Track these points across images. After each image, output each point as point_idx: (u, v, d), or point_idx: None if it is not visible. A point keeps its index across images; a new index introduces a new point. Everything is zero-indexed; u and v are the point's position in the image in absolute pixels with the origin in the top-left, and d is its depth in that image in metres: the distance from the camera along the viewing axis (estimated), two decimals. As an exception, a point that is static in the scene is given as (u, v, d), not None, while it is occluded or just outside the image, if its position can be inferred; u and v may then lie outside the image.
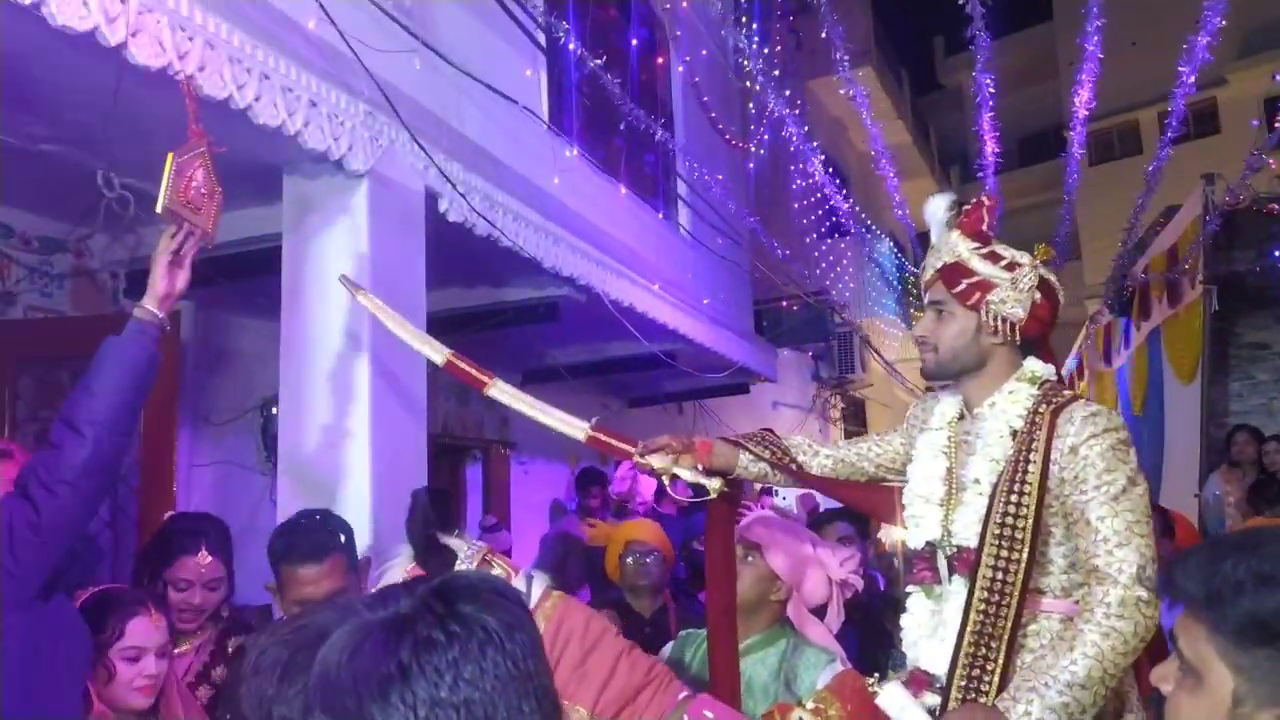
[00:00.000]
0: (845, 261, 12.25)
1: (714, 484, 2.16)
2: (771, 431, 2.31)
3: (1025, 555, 1.74)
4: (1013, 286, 1.88)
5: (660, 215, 6.21)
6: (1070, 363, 13.39)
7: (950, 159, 22.95)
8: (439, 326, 3.79)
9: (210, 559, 2.48)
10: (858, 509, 3.01)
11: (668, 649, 2.45)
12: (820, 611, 2.42)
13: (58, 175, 3.17)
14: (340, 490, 3.04)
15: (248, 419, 4.48)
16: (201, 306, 4.24)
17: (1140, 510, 1.74)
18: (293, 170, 3.22)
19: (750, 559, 2.27)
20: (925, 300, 2.02)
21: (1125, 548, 1.69)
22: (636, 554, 3.52)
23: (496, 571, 1.76)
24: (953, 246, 1.95)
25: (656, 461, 2.18)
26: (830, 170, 8.64)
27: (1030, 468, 1.79)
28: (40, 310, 3.77)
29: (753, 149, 7.33)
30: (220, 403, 4.36)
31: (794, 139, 6.34)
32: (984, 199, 1.97)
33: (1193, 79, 5.30)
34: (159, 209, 2.08)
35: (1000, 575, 1.75)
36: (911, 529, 1.98)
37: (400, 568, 1.79)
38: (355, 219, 3.18)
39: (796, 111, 6.93)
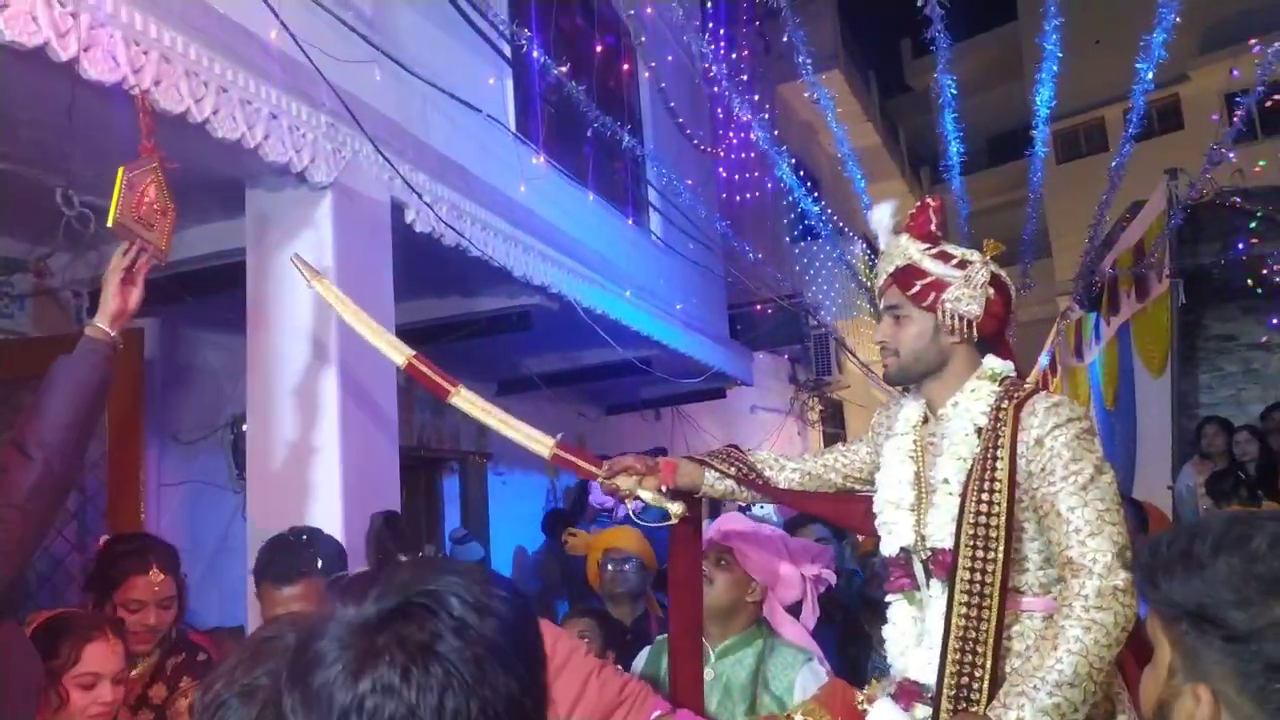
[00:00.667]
0: (819, 264, 12.31)
1: (675, 508, 2.17)
2: (737, 448, 2.31)
3: (1001, 554, 1.73)
4: (966, 284, 1.89)
5: (630, 221, 6.21)
6: (1043, 359, 13.52)
7: (920, 160, 23.13)
8: (410, 338, 3.75)
9: (163, 577, 2.44)
10: (829, 521, 3.02)
11: (642, 656, 2.44)
12: (795, 609, 2.43)
13: (15, 194, 3.12)
14: (311, 506, 3.01)
15: (217, 436, 4.42)
16: (166, 323, 4.19)
17: (1110, 498, 1.74)
18: (254, 183, 3.19)
19: (723, 563, 2.28)
20: (881, 306, 2.02)
21: (1098, 537, 1.68)
22: (615, 561, 3.51)
23: None
24: (903, 250, 1.96)
25: (621, 483, 2.19)
26: (801, 173, 8.69)
27: (998, 464, 1.79)
28: (1, 331, 3.71)
29: (721, 154, 7.35)
30: (188, 420, 4.31)
31: (763, 143, 6.36)
32: (929, 200, 1.98)
33: (1151, 76, 5.37)
34: (109, 223, 2.05)
35: (979, 577, 1.74)
36: (884, 536, 1.97)
37: None
38: (320, 232, 3.15)
39: (765, 116, 6.96)
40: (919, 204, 1.99)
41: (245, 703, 1.25)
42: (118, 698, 2.02)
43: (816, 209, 7.86)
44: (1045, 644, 1.65)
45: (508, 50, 4.56)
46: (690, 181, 6.57)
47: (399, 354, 2.41)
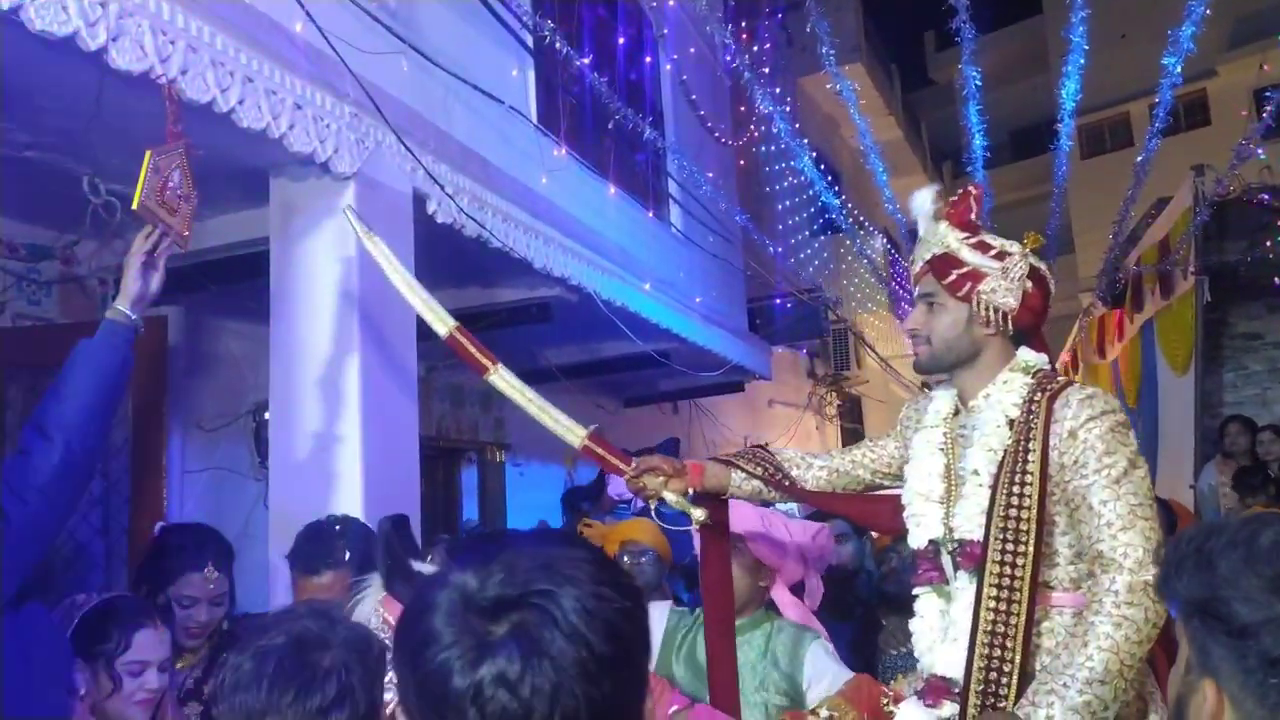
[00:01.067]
0: (839, 258, 12.26)
1: (697, 513, 2.15)
2: (763, 448, 2.29)
3: (1032, 547, 1.71)
4: (1003, 276, 1.87)
5: (651, 214, 6.20)
6: (1064, 356, 13.41)
7: (942, 155, 22.99)
8: (431, 330, 3.78)
9: (217, 575, 2.43)
10: (858, 523, 3.01)
11: (664, 616, 2.44)
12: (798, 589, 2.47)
13: (43, 182, 3.15)
14: (332, 495, 3.03)
15: (239, 424, 4.46)
16: (189, 311, 4.22)
17: (1143, 493, 1.71)
18: (279, 173, 3.20)
19: (735, 550, 2.29)
20: (916, 293, 2.00)
21: (1129, 531, 1.66)
22: (631, 554, 3.50)
23: None
24: (941, 238, 1.94)
25: (648, 482, 2.17)
26: (822, 167, 8.65)
27: (1030, 456, 1.77)
28: (29, 318, 3.75)
29: (742, 146, 7.32)
30: (211, 408, 4.34)
31: (784, 136, 6.34)
32: (970, 188, 1.96)
33: (1179, 70, 5.30)
34: (135, 206, 2.07)
35: (1009, 570, 1.72)
36: (913, 529, 1.95)
37: (371, 599, 1.76)
38: (342, 222, 3.15)
39: (787, 109, 6.93)
40: (960, 192, 1.97)
41: (260, 662, 1.27)
42: (163, 685, 2.02)
43: (837, 203, 7.82)
44: (1075, 641, 1.63)
45: (530, 41, 4.56)
46: (711, 174, 6.55)
47: (443, 324, 2.38)
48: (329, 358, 3.12)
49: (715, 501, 2.22)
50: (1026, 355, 1.92)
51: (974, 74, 5.56)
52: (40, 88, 2.53)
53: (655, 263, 5.91)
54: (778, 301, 9.15)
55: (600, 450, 2.26)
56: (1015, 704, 1.64)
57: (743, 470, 2.19)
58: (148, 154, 2.10)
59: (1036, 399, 1.82)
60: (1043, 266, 1.93)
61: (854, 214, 9.21)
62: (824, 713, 1.76)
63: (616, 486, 6.64)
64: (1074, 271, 17.14)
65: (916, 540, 1.95)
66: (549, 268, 4.39)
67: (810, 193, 8.92)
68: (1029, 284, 1.88)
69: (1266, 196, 7.33)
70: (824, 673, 2.31)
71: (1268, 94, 5.71)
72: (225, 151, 2.91)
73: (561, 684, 0.75)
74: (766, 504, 2.43)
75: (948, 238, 1.93)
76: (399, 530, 1.84)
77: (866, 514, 2.33)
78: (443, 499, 6.50)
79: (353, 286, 3.12)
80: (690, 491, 2.17)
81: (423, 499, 3.54)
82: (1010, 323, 1.89)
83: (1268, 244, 7.48)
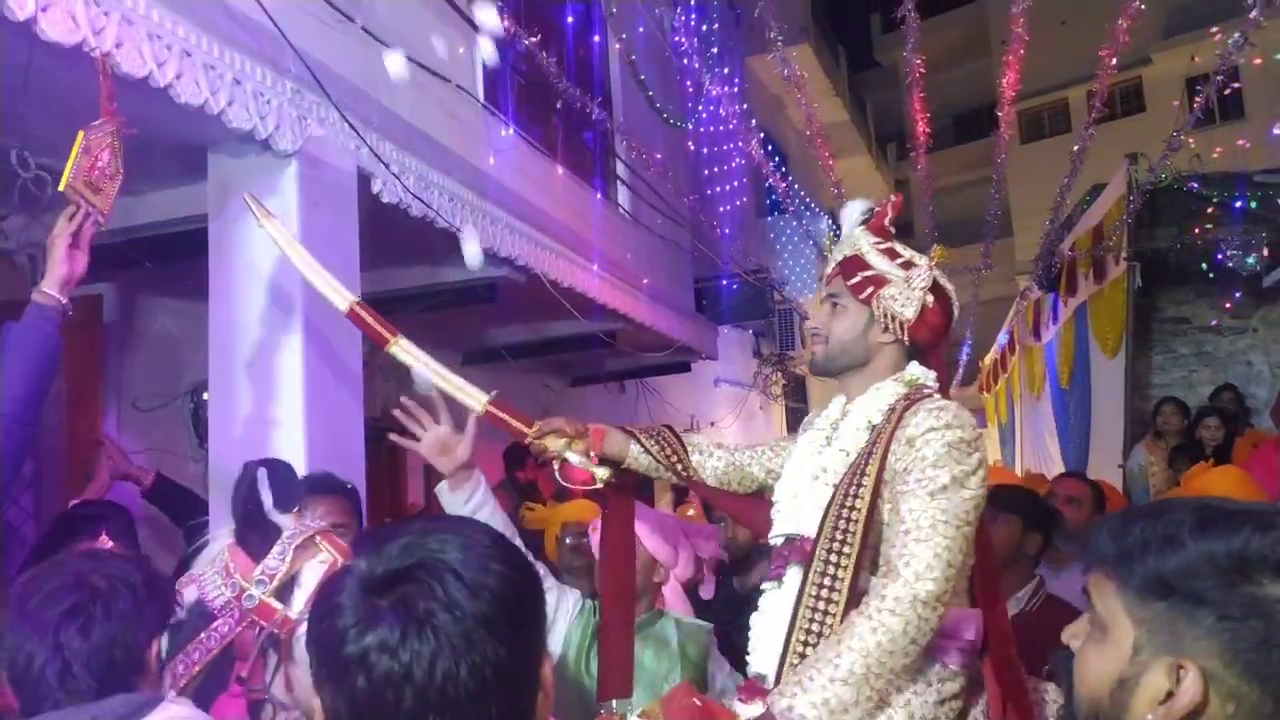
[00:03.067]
0: (785, 239, 12.36)
1: (602, 472, 2.16)
2: (671, 429, 2.29)
3: (855, 549, 1.68)
4: (906, 284, 1.88)
5: (599, 195, 6.19)
6: (1001, 338, 13.71)
7: (887, 136, 23.24)
8: (377, 307, 3.73)
9: (111, 544, 2.41)
10: (738, 521, 3.05)
11: (566, 611, 2.45)
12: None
13: (-32, 156, 3.04)
14: (274, 477, 2.99)
15: (177, 404, 4.37)
16: (124, 288, 4.12)
17: (955, 513, 1.66)
18: (217, 149, 3.13)
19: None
20: (823, 294, 2.02)
21: (922, 544, 1.62)
22: (573, 534, 3.52)
23: (323, 557, 1.70)
24: (854, 240, 1.97)
25: (550, 443, 2.17)
26: (769, 148, 8.69)
27: (872, 459, 1.77)
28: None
29: (689, 127, 7.32)
30: (147, 388, 4.25)
31: (732, 117, 6.36)
32: (892, 195, 2.00)
33: (1114, 60, 5.43)
34: (62, 187, 2.05)
35: (831, 569, 1.69)
36: (775, 523, 1.96)
37: (219, 544, 1.74)
38: (284, 200, 3.11)
39: (734, 89, 6.94)
40: (883, 202, 2.00)
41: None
42: None
43: (783, 184, 7.88)
44: (834, 637, 1.60)
45: (478, 18, 4.49)
46: (659, 155, 6.55)
47: (341, 299, 2.39)
48: (269, 337, 3.07)
49: (619, 468, 2.22)
50: (914, 369, 1.92)
51: (918, 62, 5.62)
52: (-35, 58, 2.44)
53: (603, 243, 5.91)
54: (724, 282, 9.21)
55: (503, 415, 2.25)
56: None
57: (641, 444, 2.20)
58: (80, 134, 2.06)
59: (897, 406, 1.83)
60: (947, 284, 1.94)
61: (800, 195, 9.29)
62: (635, 715, 1.73)
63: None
64: (1012, 255, 17.53)
65: (773, 534, 1.95)
66: (496, 248, 4.36)
67: (756, 174, 8.97)
68: (930, 297, 1.89)
69: (1195, 184, 7.56)
70: (721, 665, 2.41)
71: (1198, 86, 5.89)
72: (162, 127, 2.83)
73: (440, 650, 0.84)
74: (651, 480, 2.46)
75: (860, 241, 1.95)
76: (275, 478, 1.81)
77: (744, 512, 2.33)
78: (388, 480, 6.45)
79: (293, 265, 3.07)
80: (591, 454, 2.17)
81: (368, 480, 3.52)
82: (906, 333, 1.89)
83: (1196, 231, 7.74)
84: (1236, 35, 4.81)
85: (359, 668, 0.84)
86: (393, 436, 2.25)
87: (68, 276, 2.07)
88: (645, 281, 6.56)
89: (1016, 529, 2.96)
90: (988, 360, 15.67)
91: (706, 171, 9.27)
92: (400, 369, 2.36)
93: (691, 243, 8.00)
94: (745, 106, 7.65)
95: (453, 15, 4.30)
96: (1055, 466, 9.14)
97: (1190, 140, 6.42)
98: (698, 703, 1.66)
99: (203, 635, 1.57)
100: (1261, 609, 0.91)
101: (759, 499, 2.22)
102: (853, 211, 2.04)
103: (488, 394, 2.26)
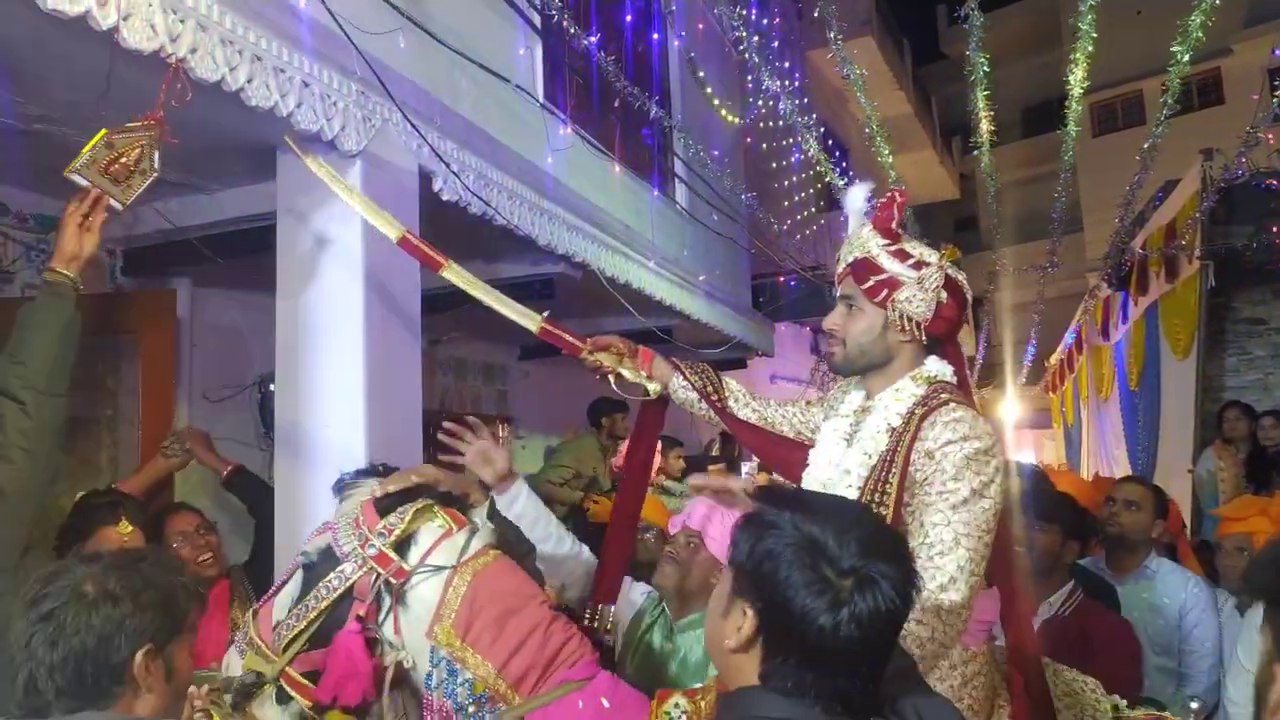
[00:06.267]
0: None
1: (653, 386, 2.35)
2: (713, 366, 2.40)
3: None
4: (919, 285, 1.88)
5: (656, 192, 6.21)
6: (1068, 337, 13.40)
7: (952, 129, 22.75)
8: (435, 303, 3.83)
9: (131, 529, 2.52)
10: (765, 460, 3.05)
11: (635, 598, 2.49)
12: None
13: (52, 154, 3.17)
14: (336, 466, 3.07)
15: (245, 395, 4.51)
16: (198, 284, 4.27)
17: (976, 523, 1.69)
18: (286, 150, 3.22)
19: (692, 545, 2.32)
20: (837, 293, 2.02)
21: (946, 557, 1.65)
22: (636, 531, 3.55)
23: (440, 522, 1.79)
24: (863, 242, 1.96)
25: (604, 359, 2.34)
26: (830, 142, 8.61)
27: (894, 469, 1.78)
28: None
29: (747, 123, 7.29)
30: (217, 379, 4.40)
31: (792, 112, 6.32)
32: (895, 193, 1.96)
33: (1190, 53, 5.27)
34: (68, 172, 2.20)
35: None
36: None
37: (356, 500, 1.85)
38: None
39: (795, 84, 6.90)
40: (886, 196, 1.98)
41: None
42: None
43: (842, 182, 7.81)
44: None
45: (537, 19, 4.55)
46: (717, 152, 6.54)
47: (393, 230, 2.61)
48: (334, 330, 3.16)
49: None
50: (930, 366, 1.93)
51: (983, 60, 5.51)
52: (51, 64, 2.56)
53: (660, 240, 5.93)
54: (782, 279, 9.16)
55: (557, 331, 2.44)
56: None
57: (685, 377, 2.33)
58: (104, 131, 2.23)
59: (915, 412, 1.83)
60: (959, 277, 1.94)
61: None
62: (681, 692, 1.74)
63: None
64: (1081, 251, 17.06)
65: None
66: (553, 245, 4.41)
67: (816, 169, 8.89)
68: (944, 295, 1.89)
69: (1275, 181, 7.30)
70: None
71: (1278, 79, 5.67)
72: (232, 128, 2.94)
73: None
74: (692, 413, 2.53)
75: (869, 243, 1.94)
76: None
77: (778, 457, 2.32)
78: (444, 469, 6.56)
79: (357, 261, 3.16)
80: (641, 372, 2.34)
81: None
82: (922, 331, 1.90)
83: (1274, 229, 7.47)
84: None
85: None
86: (441, 457, 2.36)
87: (75, 254, 2.21)
88: (702, 278, 6.56)
89: (1057, 538, 3.02)
90: (1054, 359, 15.32)
91: (767, 167, 9.23)
92: (456, 363, 2.46)
93: (749, 239, 7.98)
94: (805, 101, 7.59)
95: (513, 15, 4.36)
96: (1120, 470, 8.92)
97: (1269, 135, 6.21)
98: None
99: (330, 575, 1.69)
100: None
101: (789, 443, 2.26)
102: (855, 198, 2.05)
103: (540, 314, 2.46)
